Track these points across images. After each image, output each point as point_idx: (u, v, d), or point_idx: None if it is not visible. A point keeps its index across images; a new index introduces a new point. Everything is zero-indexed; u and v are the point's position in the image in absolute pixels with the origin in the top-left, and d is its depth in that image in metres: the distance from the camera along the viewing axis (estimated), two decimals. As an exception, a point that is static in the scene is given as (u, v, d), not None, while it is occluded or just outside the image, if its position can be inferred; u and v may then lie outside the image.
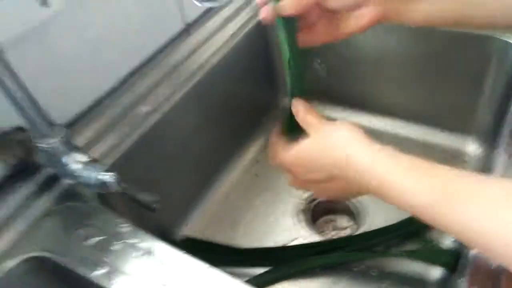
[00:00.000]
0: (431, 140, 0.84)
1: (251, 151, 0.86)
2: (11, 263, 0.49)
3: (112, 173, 0.45)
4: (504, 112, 0.65)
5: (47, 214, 0.53)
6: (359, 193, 0.47)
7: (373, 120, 0.89)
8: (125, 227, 0.50)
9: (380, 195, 0.40)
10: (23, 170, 0.54)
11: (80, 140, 0.60)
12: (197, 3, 0.71)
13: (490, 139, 0.75)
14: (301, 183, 0.52)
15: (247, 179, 0.82)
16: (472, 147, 0.82)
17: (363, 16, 0.49)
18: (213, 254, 0.69)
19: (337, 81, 0.87)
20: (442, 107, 0.81)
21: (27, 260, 0.50)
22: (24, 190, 0.54)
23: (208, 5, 0.75)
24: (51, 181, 0.56)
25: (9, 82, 0.41)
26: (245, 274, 0.68)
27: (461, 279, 0.41)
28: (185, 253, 0.48)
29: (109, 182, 0.45)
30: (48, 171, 0.56)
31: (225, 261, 0.67)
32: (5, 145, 0.51)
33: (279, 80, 0.90)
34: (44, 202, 0.54)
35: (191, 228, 0.74)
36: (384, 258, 0.67)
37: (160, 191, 0.59)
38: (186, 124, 0.71)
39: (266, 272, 0.68)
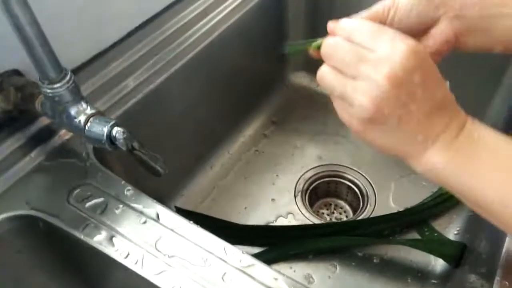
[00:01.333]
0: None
1: (254, 126, 0.82)
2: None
3: (123, 129, 0.40)
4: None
5: (38, 169, 0.49)
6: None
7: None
8: (127, 190, 0.46)
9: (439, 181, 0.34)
10: (15, 119, 0.49)
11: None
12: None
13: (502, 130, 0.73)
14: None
15: (247, 154, 0.78)
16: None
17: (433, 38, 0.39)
18: (206, 228, 0.64)
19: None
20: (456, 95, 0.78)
21: (11, 219, 0.45)
22: (14, 141, 0.49)
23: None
24: (44, 134, 0.51)
25: (22, 16, 0.36)
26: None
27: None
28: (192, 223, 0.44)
29: (121, 138, 0.40)
30: (42, 122, 0.50)
31: (218, 236, 0.63)
32: (-3, 88, 0.45)
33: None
34: (35, 156, 0.49)
35: (186, 200, 0.70)
36: (387, 246, 0.65)
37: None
38: (189, 90, 0.66)
39: (263, 251, 0.65)
